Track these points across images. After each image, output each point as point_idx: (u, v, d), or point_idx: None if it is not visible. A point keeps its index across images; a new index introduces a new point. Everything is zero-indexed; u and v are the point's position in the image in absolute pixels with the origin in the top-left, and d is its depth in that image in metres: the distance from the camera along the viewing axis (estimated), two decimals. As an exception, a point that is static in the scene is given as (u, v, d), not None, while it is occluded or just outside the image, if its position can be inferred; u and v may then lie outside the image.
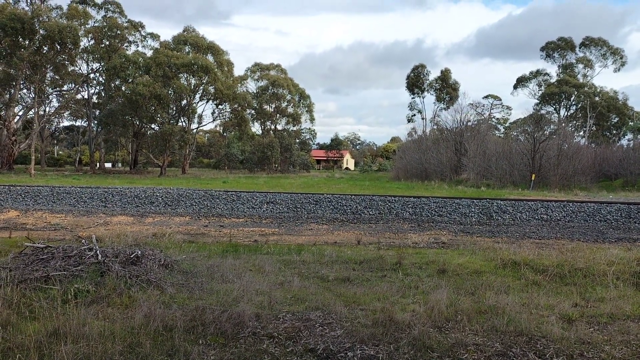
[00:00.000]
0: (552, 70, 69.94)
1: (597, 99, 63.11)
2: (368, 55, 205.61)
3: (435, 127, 64.71)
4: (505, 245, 11.27)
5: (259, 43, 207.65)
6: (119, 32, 57.24)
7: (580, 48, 66.33)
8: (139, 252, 7.93)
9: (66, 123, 78.03)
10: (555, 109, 65.35)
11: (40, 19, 45.85)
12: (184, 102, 56.72)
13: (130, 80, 54.42)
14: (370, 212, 18.90)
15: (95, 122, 62.05)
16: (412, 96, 73.92)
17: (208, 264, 8.66)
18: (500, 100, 77.86)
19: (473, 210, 18.56)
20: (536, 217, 17.80)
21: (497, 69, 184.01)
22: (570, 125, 56.93)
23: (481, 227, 16.23)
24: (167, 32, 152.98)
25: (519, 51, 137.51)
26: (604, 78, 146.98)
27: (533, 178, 35.46)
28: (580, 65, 66.71)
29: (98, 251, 7.74)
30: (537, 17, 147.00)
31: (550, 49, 67.21)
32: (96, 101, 62.35)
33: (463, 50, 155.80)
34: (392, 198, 20.18)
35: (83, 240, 9.02)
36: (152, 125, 56.59)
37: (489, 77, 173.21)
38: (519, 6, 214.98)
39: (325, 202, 19.81)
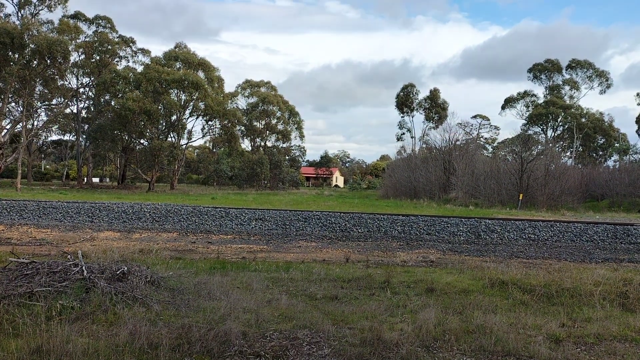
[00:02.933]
0: (539, 91, 71.10)
1: (583, 120, 64.10)
2: (356, 74, 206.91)
3: (424, 145, 65.31)
4: (493, 265, 11.28)
5: (248, 60, 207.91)
6: (109, 47, 57.22)
7: (566, 70, 67.54)
8: (125, 269, 7.84)
9: (54, 137, 77.39)
10: (542, 130, 66.20)
11: (30, 33, 45.77)
12: (174, 117, 56.67)
13: (120, 95, 54.31)
14: (359, 230, 18.88)
15: (84, 136, 61.73)
16: (401, 115, 74.42)
17: (195, 281, 8.58)
18: (489, 120, 78.67)
19: (461, 229, 18.61)
20: (524, 237, 17.89)
21: (483, 90, 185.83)
22: (557, 145, 57.55)
23: (469, 246, 16.27)
24: (155, 49, 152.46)
25: (504, 72, 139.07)
26: (590, 100, 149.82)
27: (521, 198, 35.73)
28: (567, 87, 67.89)
29: (84, 267, 7.64)
30: (522, 39, 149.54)
31: (537, 71, 68.33)
32: (85, 116, 62.05)
33: (449, 71, 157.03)
34: (381, 216, 20.19)
35: (69, 256, 8.91)
36: (141, 141, 56.39)
37: (475, 97, 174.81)
38: (505, 28, 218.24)
39: (314, 219, 19.78)
